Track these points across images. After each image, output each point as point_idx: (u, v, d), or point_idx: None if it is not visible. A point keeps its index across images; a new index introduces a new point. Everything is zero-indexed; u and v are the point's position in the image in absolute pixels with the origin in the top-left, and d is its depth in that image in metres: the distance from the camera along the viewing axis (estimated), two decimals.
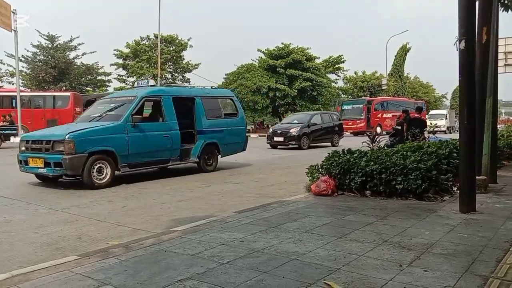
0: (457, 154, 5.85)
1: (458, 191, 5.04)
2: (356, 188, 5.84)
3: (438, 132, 33.53)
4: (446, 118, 42.23)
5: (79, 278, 2.76)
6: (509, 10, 7.98)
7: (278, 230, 3.96)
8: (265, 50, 40.99)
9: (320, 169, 6.37)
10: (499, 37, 7.68)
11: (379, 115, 36.78)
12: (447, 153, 6.36)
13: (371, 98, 40.18)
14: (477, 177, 5.32)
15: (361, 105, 36.52)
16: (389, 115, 37.29)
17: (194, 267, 2.94)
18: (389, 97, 44.94)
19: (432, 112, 42.40)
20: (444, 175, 5.75)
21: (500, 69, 11.40)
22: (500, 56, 12.84)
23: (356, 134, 35.04)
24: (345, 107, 37.78)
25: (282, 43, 40.51)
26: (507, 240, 3.52)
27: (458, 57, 4.68)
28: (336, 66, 45.54)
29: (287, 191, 6.63)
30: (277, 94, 37.32)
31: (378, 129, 35.01)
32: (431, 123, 35.24)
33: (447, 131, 38.44)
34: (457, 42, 4.66)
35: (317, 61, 41.65)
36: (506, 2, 7.74)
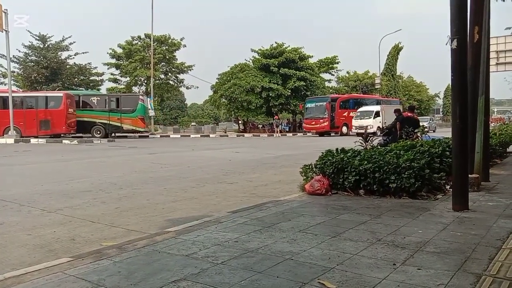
0: (450, 153, 5.89)
1: (451, 190, 5.07)
2: (350, 187, 5.85)
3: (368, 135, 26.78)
4: (377, 116, 31.97)
5: (73, 280, 2.75)
6: None
7: (272, 230, 3.96)
8: (259, 50, 41.00)
9: (314, 169, 6.38)
10: (490, 36, 7.74)
11: (345, 114, 34.58)
12: (440, 151, 6.40)
13: (335, 96, 37.93)
14: (469, 176, 5.36)
15: (324, 103, 34.00)
16: None
17: (188, 268, 2.93)
18: (357, 95, 42.89)
19: (360, 109, 33.87)
20: (437, 174, 5.79)
21: (491, 68, 11.52)
22: (492, 55, 12.98)
23: (321, 134, 33.57)
24: (308, 105, 35.35)
25: (275, 42, 40.57)
26: (499, 238, 3.55)
27: (450, 56, 4.71)
28: (331, 66, 45.71)
29: (281, 191, 6.63)
30: (270, 94, 37.21)
31: (344, 129, 33.53)
32: (356, 125, 31.31)
33: (378, 133, 25.16)
34: (449, 41, 4.69)
35: (311, 60, 41.71)
36: None
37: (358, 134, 29.02)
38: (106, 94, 33.71)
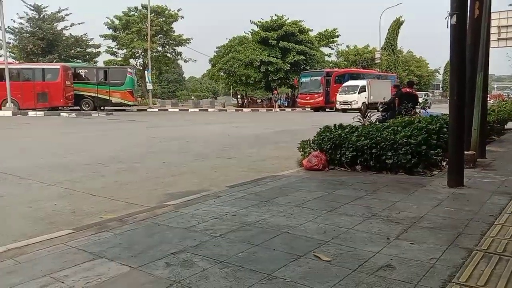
0: (447, 129, 5.92)
1: (447, 166, 5.12)
2: (347, 163, 5.91)
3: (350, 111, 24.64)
4: (363, 91, 29.79)
5: (74, 252, 2.81)
6: None
7: (270, 204, 4.03)
8: (258, 22, 40.37)
9: (311, 144, 6.42)
10: (492, 11, 7.64)
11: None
12: (437, 128, 6.43)
13: (331, 70, 36.51)
14: (465, 152, 5.40)
15: (319, 78, 32.96)
16: None
17: (187, 240, 3.00)
18: (354, 69, 41.59)
19: (346, 83, 32.05)
20: (434, 150, 5.83)
21: (493, 44, 11.43)
22: (493, 30, 12.84)
23: (316, 109, 32.59)
24: (303, 79, 34.21)
25: (275, 15, 39.91)
26: (492, 214, 3.62)
27: (449, 32, 4.67)
28: (331, 39, 45.08)
29: (279, 166, 6.69)
30: (269, 68, 36.80)
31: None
32: (340, 101, 29.74)
33: (363, 109, 21.80)
34: (449, 17, 4.65)
35: (311, 33, 41.11)
36: None
37: (343, 111, 28.43)
38: (94, 67, 32.99)
